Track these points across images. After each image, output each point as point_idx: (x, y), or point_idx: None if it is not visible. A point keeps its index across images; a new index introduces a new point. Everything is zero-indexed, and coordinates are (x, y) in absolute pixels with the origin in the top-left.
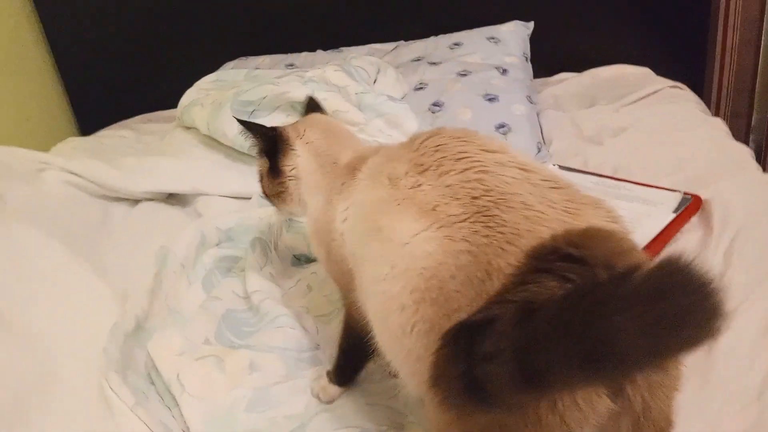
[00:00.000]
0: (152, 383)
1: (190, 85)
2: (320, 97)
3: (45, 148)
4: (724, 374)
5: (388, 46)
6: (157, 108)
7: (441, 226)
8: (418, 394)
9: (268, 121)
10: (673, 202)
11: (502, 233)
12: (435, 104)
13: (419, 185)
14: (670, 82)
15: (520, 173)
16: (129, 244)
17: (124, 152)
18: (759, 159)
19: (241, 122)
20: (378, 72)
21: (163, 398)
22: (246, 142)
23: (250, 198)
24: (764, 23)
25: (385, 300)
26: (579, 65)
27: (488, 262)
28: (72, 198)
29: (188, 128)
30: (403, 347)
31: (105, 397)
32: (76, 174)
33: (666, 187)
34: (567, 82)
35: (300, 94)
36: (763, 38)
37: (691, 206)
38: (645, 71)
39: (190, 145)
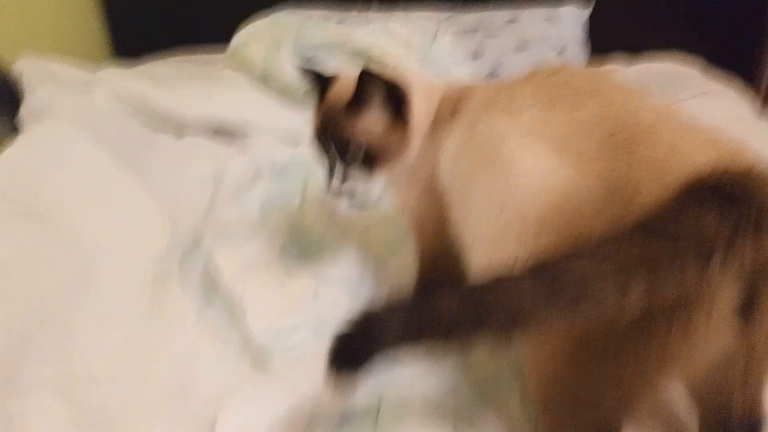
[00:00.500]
0: (210, 302)
1: (234, 25)
2: (383, 48)
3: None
4: None
5: (443, 14)
6: (197, 42)
7: (574, 160)
8: None
9: (333, 66)
10: None
11: (647, 165)
12: (491, 74)
13: (546, 120)
14: (722, 83)
15: (659, 114)
16: (176, 170)
17: (172, 81)
18: None
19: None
20: (435, 36)
21: (220, 317)
22: (302, 85)
23: (298, 144)
24: None
25: (500, 228)
26: (633, 50)
27: (634, 189)
28: (120, 118)
29: (237, 71)
30: None
31: (158, 309)
32: (125, 95)
33: None
34: (618, 72)
35: (363, 42)
36: None
37: None
38: (694, 72)
39: (242, 82)
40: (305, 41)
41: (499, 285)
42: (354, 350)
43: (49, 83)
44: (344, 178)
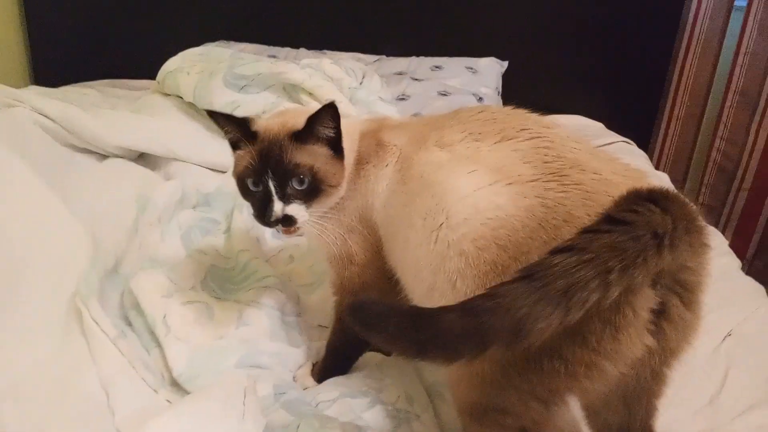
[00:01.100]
0: (128, 324)
1: (160, 59)
2: (316, 83)
3: None
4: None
5: (371, 57)
6: (120, 77)
7: (510, 183)
8: None
9: (258, 98)
10: None
11: (578, 191)
12: (416, 115)
13: (479, 149)
14: (622, 138)
15: (579, 145)
16: (98, 191)
17: (93, 107)
18: None
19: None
20: (364, 77)
21: (141, 338)
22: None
23: (225, 172)
24: (708, 100)
25: (442, 249)
26: (540, 108)
27: (567, 212)
28: (41, 138)
29: (166, 95)
30: (454, 292)
31: (79, 324)
32: (46, 116)
33: None
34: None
35: (297, 76)
36: (705, 114)
37: None
38: (599, 125)
39: (170, 110)
40: (238, 71)
41: (495, 291)
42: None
43: None
44: (287, 204)
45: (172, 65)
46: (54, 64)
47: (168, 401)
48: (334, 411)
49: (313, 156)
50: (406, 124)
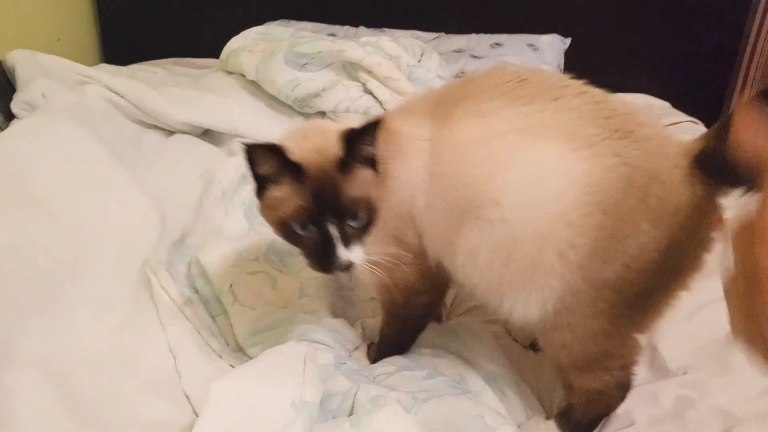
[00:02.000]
0: (196, 292)
1: (224, 38)
2: (375, 61)
3: None
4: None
5: (430, 35)
6: (186, 56)
7: (589, 146)
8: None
9: (318, 76)
10: None
11: (650, 145)
12: None
13: (536, 115)
14: (689, 117)
15: (623, 102)
16: (164, 167)
17: (160, 84)
18: None
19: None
20: (422, 54)
21: (207, 306)
22: (293, 92)
23: None
24: None
25: (541, 223)
26: (603, 87)
27: (650, 169)
28: (111, 114)
29: (229, 73)
30: (565, 263)
31: (147, 294)
32: (117, 93)
33: None
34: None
35: (356, 54)
36: None
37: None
38: (665, 104)
39: (233, 88)
40: (298, 50)
41: None
42: None
43: (43, 77)
44: (348, 246)
45: (235, 44)
46: (123, 43)
47: (232, 366)
48: (391, 382)
49: (364, 184)
50: (409, 106)
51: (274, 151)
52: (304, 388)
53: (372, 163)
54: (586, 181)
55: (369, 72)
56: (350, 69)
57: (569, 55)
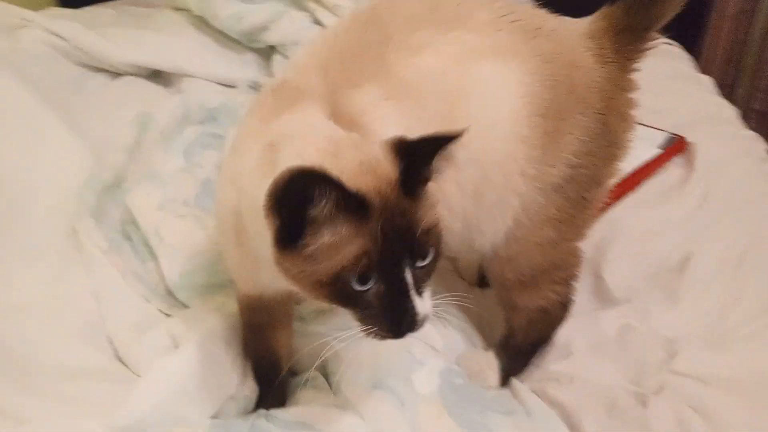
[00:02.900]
0: (128, 238)
1: None
2: None
3: None
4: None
5: None
6: None
7: (513, 56)
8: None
9: (264, 7)
10: (658, 139)
11: (558, 37)
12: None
13: (458, 39)
14: (664, 39)
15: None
16: (106, 109)
17: (108, 25)
18: None
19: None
20: None
21: (137, 252)
22: (238, 26)
23: (234, 87)
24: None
25: (504, 146)
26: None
27: (566, 60)
28: (50, 59)
29: (178, 9)
30: (527, 180)
31: (77, 242)
32: (57, 35)
33: (652, 125)
34: None
35: None
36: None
37: (675, 145)
38: None
39: (180, 25)
40: None
41: None
42: None
43: None
44: (421, 295)
45: None
46: None
47: (160, 310)
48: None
49: (430, 210)
50: (324, 64)
51: (329, 180)
52: (245, 383)
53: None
54: (523, 90)
55: (317, 1)
56: None
57: None
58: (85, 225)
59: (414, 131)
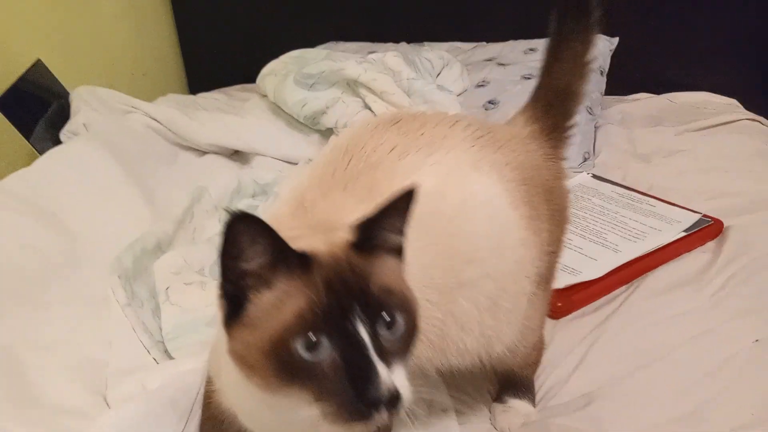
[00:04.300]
0: (153, 297)
1: None
2: (371, 77)
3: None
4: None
5: (469, 45)
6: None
7: (490, 168)
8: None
9: (323, 95)
10: (687, 222)
11: (512, 144)
12: (491, 102)
13: (442, 159)
14: (751, 115)
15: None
16: (182, 183)
17: (217, 110)
18: None
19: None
20: (444, 66)
21: (151, 309)
22: (302, 111)
23: (297, 163)
24: None
25: (513, 255)
26: (662, 90)
27: (523, 161)
28: (147, 138)
29: (263, 96)
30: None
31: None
32: (155, 119)
33: (687, 207)
34: (642, 101)
35: (353, 71)
36: None
37: (708, 229)
38: (730, 102)
39: (260, 110)
40: (305, 71)
41: None
42: None
43: (88, 109)
44: (389, 365)
45: (266, 69)
46: (205, 73)
47: (154, 359)
48: None
49: (395, 275)
50: (311, 199)
51: (266, 231)
52: (187, 426)
53: (398, 253)
54: (509, 198)
55: (368, 88)
56: (353, 86)
57: (617, 56)
58: (112, 281)
59: (421, 253)
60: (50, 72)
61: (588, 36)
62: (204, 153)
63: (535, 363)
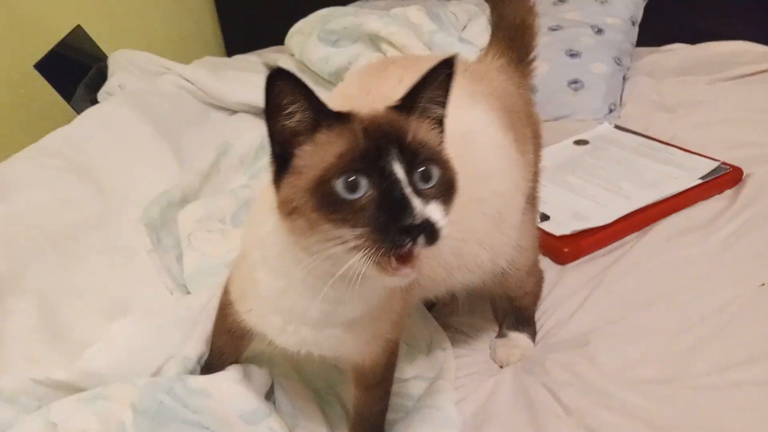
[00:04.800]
0: (178, 244)
1: None
2: (391, 31)
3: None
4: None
5: None
6: None
7: (480, 100)
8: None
9: (346, 51)
10: (705, 169)
11: (494, 83)
12: None
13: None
14: None
15: None
16: (212, 141)
17: (247, 71)
18: None
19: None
20: (469, 19)
21: (175, 254)
22: (326, 67)
23: None
24: None
25: (512, 171)
26: (698, 40)
27: (497, 86)
28: (179, 98)
29: (291, 55)
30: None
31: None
32: (187, 79)
33: (707, 155)
34: (675, 52)
35: (373, 26)
36: None
37: (727, 176)
38: (763, 50)
39: (288, 68)
40: (328, 27)
41: None
42: None
43: (124, 72)
44: (425, 202)
45: (294, 28)
46: (242, 36)
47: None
48: None
49: (430, 131)
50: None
51: (304, 88)
52: (186, 344)
53: (439, 124)
54: (498, 123)
55: (389, 42)
56: (375, 41)
57: (652, 5)
58: (139, 229)
59: None
60: (89, 37)
61: None
62: (234, 112)
63: (533, 293)
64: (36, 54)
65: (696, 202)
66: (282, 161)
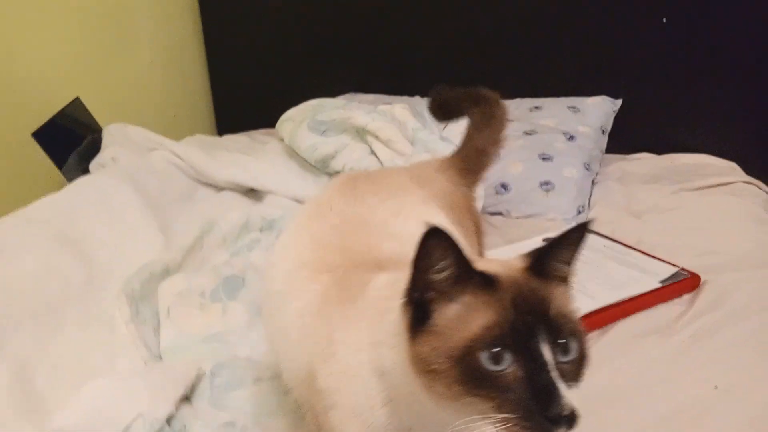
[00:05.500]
0: (156, 317)
1: None
2: (377, 126)
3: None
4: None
5: None
6: None
7: (431, 203)
8: None
9: (333, 141)
10: (664, 274)
11: (437, 185)
12: None
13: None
14: (748, 178)
15: None
16: (199, 217)
17: (238, 151)
18: None
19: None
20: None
21: (153, 326)
22: (313, 155)
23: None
24: None
25: None
26: (664, 151)
27: (441, 189)
28: (169, 174)
29: (281, 140)
30: None
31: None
32: (177, 156)
33: (666, 260)
34: (642, 161)
35: (361, 120)
36: None
37: (685, 282)
38: (730, 165)
39: (276, 152)
40: (318, 118)
41: None
42: None
43: (117, 144)
44: (566, 380)
45: (285, 115)
46: (234, 116)
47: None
48: None
49: (566, 298)
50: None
51: (456, 247)
52: (155, 405)
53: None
54: (448, 222)
55: (375, 136)
56: (361, 133)
57: (622, 116)
58: (119, 300)
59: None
60: (86, 109)
61: (502, 124)
62: (221, 189)
63: None
64: (33, 123)
65: (655, 304)
66: (418, 311)
